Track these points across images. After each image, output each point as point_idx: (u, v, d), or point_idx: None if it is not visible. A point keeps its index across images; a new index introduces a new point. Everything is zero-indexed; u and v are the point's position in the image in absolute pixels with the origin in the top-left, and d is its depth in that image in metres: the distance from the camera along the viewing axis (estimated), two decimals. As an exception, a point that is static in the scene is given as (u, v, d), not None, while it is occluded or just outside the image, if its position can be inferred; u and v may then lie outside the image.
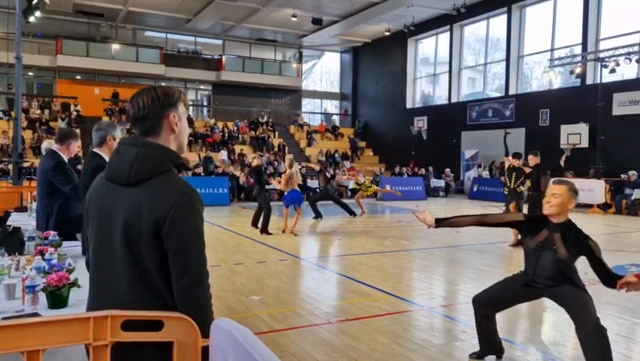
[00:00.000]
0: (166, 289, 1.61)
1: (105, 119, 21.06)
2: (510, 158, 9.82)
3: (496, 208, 16.24)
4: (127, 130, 15.88)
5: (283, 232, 10.47)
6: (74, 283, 2.42)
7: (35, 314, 2.23)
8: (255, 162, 11.37)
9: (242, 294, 5.68)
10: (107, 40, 25.19)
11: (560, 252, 3.31)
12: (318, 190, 15.43)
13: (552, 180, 3.39)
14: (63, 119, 21.29)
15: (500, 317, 5.19)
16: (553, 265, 3.35)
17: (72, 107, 22.47)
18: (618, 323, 4.54)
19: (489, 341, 3.72)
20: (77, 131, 16.83)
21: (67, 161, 4.46)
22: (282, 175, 11.35)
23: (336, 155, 24.87)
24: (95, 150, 3.74)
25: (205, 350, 1.54)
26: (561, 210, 3.29)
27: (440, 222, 3.49)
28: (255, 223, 10.80)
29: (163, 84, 21.54)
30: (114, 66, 24.49)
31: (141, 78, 25.21)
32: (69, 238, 3.92)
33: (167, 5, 22.29)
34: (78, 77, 25.17)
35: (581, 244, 3.30)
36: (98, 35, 25.39)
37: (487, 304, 3.67)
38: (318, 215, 12.99)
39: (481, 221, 3.61)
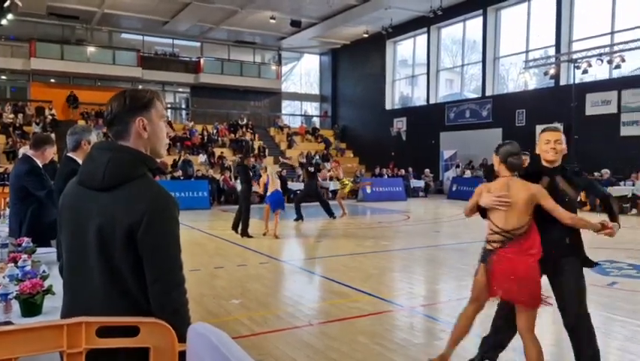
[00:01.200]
0: (142, 294, 1.59)
1: (81, 122, 20.73)
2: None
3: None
4: (104, 134, 15.68)
5: (264, 234, 10.43)
6: (49, 290, 2.38)
7: (8, 323, 2.18)
8: (246, 161, 11.34)
9: (222, 298, 5.64)
10: (82, 43, 24.81)
11: (569, 193, 3.24)
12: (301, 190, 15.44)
13: (544, 127, 3.36)
14: (37, 124, 20.90)
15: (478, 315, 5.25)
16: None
17: (47, 111, 22.08)
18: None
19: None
20: (52, 135, 16.52)
21: (42, 167, 4.38)
22: (260, 180, 11.44)
23: (317, 157, 24.88)
24: (69, 154, 3.68)
25: (182, 355, 1.52)
26: (561, 157, 3.30)
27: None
28: (235, 227, 10.74)
29: (140, 86, 21.35)
30: (90, 69, 24.12)
31: (118, 81, 24.89)
32: (43, 244, 3.84)
33: (144, 7, 22.05)
34: (52, 80, 24.73)
35: (580, 177, 3.31)
36: (73, 38, 24.99)
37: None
38: (299, 217, 12.96)
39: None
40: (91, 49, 24.67)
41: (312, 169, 13.80)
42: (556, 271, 3.24)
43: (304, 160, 24.09)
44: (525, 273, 3.04)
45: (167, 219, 1.60)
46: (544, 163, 3.32)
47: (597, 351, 3.20)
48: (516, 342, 3.46)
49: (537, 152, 3.38)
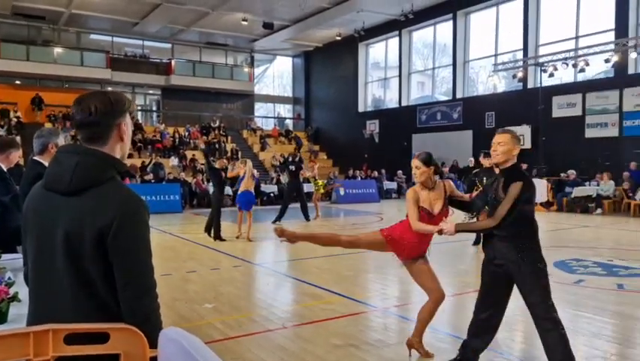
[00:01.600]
0: (112, 300, 1.57)
1: (48, 125, 20.25)
2: (482, 158, 8.62)
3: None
4: (72, 137, 15.34)
5: (237, 238, 10.35)
6: (14, 298, 2.32)
7: (-28, 332, 2.12)
8: (219, 164, 11.21)
9: (195, 302, 5.58)
10: (49, 44, 24.24)
11: (498, 193, 3.29)
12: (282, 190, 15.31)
13: (498, 130, 3.43)
14: (2, 127, 20.31)
15: (449, 314, 5.32)
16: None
17: (12, 114, 21.48)
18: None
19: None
20: (18, 138, 16.11)
21: (7, 171, 4.26)
22: (236, 169, 11.07)
23: (297, 156, 24.84)
24: (36, 157, 3.60)
25: (153, 361, 1.51)
26: (507, 157, 3.32)
27: (460, 226, 3.48)
28: (208, 230, 10.65)
29: (109, 89, 20.95)
30: (57, 70, 23.58)
31: (86, 83, 24.40)
32: (8, 250, 3.74)
33: (113, 8, 21.66)
34: (18, 82, 24.08)
35: (510, 182, 3.26)
36: (39, 38, 24.39)
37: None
38: (279, 218, 12.99)
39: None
40: (58, 50, 24.12)
41: (293, 167, 13.75)
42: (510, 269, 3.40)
43: (289, 159, 24.05)
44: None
45: (138, 223, 1.58)
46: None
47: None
48: (494, 343, 3.53)
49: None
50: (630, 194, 14.75)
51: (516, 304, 3.59)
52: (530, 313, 3.29)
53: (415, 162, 3.85)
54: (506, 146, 3.32)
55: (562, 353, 3.17)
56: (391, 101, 25.49)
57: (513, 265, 3.28)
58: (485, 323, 3.50)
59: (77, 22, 24.22)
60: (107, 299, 1.56)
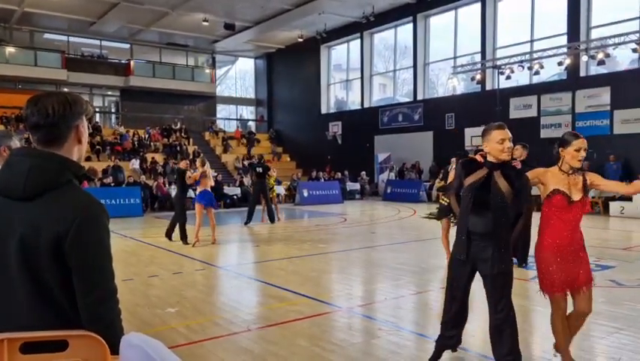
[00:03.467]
0: (71, 307, 1.52)
1: (0, 128, 19.49)
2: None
3: (409, 210, 16.91)
4: (26, 140, 14.80)
5: (193, 245, 9.65)
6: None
7: None
8: (182, 165, 10.97)
9: (157, 307, 5.48)
10: (1, 43, 23.35)
11: (501, 184, 3.26)
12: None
13: (496, 125, 3.35)
14: (-50, 129, 19.46)
15: (413, 312, 5.41)
16: (491, 211, 3.27)
17: (-39, 116, 20.60)
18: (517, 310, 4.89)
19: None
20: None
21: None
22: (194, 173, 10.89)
23: (256, 161, 24.73)
24: (-13, 161, 3.46)
25: (115, 368, 1.48)
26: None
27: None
28: (169, 234, 10.41)
29: (66, 90, 20.33)
30: (9, 71, 22.75)
31: (41, 84, 23.61)
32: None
33: (68, 7, 21.03)
34: (-33, 82, 23.13)
35: (519, 177, 3.31)
36: (-10, 38, 23.50)
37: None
38: (249, 220, 12.96)
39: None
40: (10, 49, 23.28)
41: (260, 169, 13.63)
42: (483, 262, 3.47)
43: (240, 165, 23.90)
44: None
45: (97, 227, 1.54)
46: (490, 159, 3.36)
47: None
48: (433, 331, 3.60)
49: (486, 149, 3.38)
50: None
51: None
52: (490, 307, 3.38)
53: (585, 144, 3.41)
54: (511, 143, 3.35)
55: (510, 346, 3.31)
56: (354, 102, 25.70)
57: (485, 263, 3.31)
58: (458, 315, 3.58)
59: (30, 21, 23.43)
60: (65, 308, 1.52)
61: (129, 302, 5.49)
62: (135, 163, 21.07)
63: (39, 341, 1.44)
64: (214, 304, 5.83)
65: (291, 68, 27.95)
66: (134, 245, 10.11)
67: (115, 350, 1.47)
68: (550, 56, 16.86)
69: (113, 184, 17.53)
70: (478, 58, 19.75)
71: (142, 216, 15.93)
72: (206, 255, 8.86)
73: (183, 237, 10.01)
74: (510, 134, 3.33)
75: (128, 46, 26.95)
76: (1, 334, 1.41)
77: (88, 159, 20.15)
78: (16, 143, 3.59)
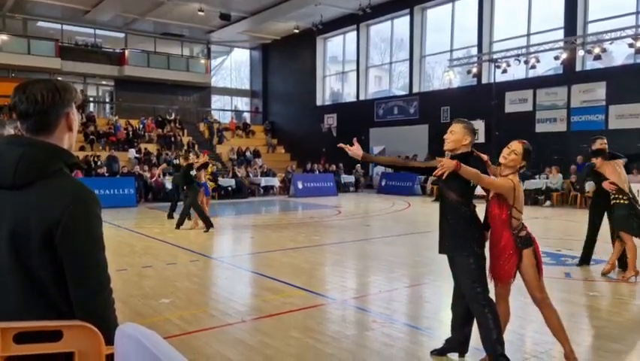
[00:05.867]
0: (63, 299, 1.51)
1: (-7, 116, 19.31)
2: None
3: (404, 202, 16.95)
4: (19, 129, 14.62)
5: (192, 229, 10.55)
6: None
7: None
8: (190, 159, 11.18)
9: (151, 298, 5.47)
10: (-6, 31, 23.14)
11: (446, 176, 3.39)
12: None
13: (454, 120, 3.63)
14: (-58, 117, 19.26)
15: (406, 304, 5.43)
16: (445, 202, 3.49)
17: (-47, 104, 20.39)
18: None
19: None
20: (-40, 129, 15.30)
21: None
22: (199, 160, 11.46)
23: (248, 152, 24.67)
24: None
25: (110, 359, 1.46)
26: (457, 146, 3.49)
27: (366, 157, 3.79)
28: (179, 225, 10.70)
29: (60, 79, 20.15)
30: (2, 59, 22.49)
31: (35, 72, 23.35)
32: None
33: (62, -5, 20.84)
34: (-40, 70, 22.89)
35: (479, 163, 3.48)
36: (-17, 25, 23.24)
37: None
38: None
39: (404, 164, 3.75)
40: (3, 37, 23.03)
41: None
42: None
43: (234, 156, 23.84)
44: None
45: (89, 217, 1.52)
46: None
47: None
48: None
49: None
50: (577, 187, 15.37)
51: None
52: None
53: (453, 126, 3.64)
54: (456, 135, 3.49)
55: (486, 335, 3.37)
56: (349, 95, 25.65)
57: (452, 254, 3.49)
58: (464, 313, 3.60)
59: (23, 9, 23.17)
60: (57, 299, 1.50)
61: (123, 293, 5.49)
62: (133, 152, 20.97)
63: (33, 332, 1.43)
64: (208, 295, 5.83)
65: (287, 59, 27.82)
66: (127, 235, 10.09)
67: (110, 341, 1.46)
68: (546, 50, 16.86)
69: (107, 174, 17.45)
70: (474, 51, 19.72)
71: (136, 206, 15.89)
72: (200, 246, 8.86)
73: (181, 223, 10.52)
74: (453, 128, 3.53)
75: (122, 35, 26.72)
76: (-5, 323, 1.40)
77: (82, 149, 20.04)
78: (9, 131, 3.55)
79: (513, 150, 3.47)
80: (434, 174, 3.31)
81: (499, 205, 3.45)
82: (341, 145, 3.83)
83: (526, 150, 3.48)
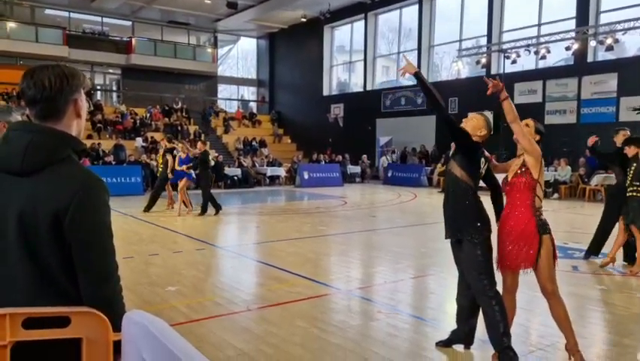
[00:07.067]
0: (71, 286, 1.51)
1: (1, 103, 19.40)
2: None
3: (410, 194, 16.91)
4: (27, 116, 14.68)
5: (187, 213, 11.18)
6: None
7: None
8: (199, 147, 11.83)
9: (157, 286, 5.50)
10: (1, 18, 23.12)
11: (456, 158, 3.52)
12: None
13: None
14: (-49, 104, 19.35)
15: (412, 295, 5.43)
16: (452, 185, 3.50)
17: (-39, 91, 20.49)
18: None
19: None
20: (-32, 116, 15.35)
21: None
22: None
23: (254, 142, 24.67)
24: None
25: (117, 346, 1.47)
26: (473, 132, 3.60)
27: (419, 74, 3.73)
28: (203, 212, 11.20)
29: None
30: (10, 46, 22.53)
31: (42, 60, 23.36)
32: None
33: (70, -18, 20.81)
34: (-32, 57, 22.95)
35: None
36: (-9, 12, 23.26)
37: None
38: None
39: (440, 102, 3.77)
40: (11, 24, 23.04)
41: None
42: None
43: (241, 146, 23.85)
44: None
45: (97, 204, 1.52)
46: None
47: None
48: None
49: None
50: (585, 179, 15.28)
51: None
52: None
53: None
54: (475, 122, 3.66)
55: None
56: (356, 85, 25.52)
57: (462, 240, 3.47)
58: (470, 305, 3.59)
59: (31, -4, 23.18)
60: (65, 286, 1.50)
61: (130, 280, 5.52)
62: (139, 141, 21.01)
63: (41, 318, 1.43)
64: (214, 283, 5.85)
65: (294, 48, 27.68)
66: (134, 223, 10.14)
67: (117, 328, 1.47)
68: (557, 41, 16.66)
69: (114, 163, 17.51)
70: (483, 41, 19.53)
71: (143, 195, 15.93)
72: (206, 235, 8.89)
73: (205, 208, 11.15)
74: (476, 115, 3.76)
75: (129, 23, 26.67)
76: (4, 308, 1.40)
77: (89, 137, 20.10)
78: (16, 118, 3.55)
79: (526, 123, 3.59)
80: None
81: (520, 186, 3.43)
82: (403, 55, 3.97)
83: (537, 128, 3.64)
